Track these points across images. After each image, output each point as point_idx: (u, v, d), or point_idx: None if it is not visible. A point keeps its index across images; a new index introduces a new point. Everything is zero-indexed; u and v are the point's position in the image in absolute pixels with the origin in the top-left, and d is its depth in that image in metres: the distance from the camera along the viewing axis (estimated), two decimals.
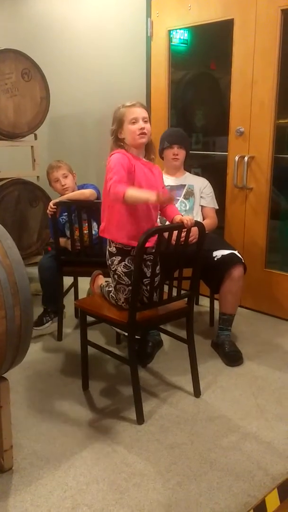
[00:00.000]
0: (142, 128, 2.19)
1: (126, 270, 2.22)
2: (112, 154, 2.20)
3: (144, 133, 2.19)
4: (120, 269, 2.24)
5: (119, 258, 2.24)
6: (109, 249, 2.28)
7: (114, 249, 2.25)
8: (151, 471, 1.92)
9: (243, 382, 2.57)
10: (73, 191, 2.98)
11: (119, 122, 2.23)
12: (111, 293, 2.33)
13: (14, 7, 4.97)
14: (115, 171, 2.10)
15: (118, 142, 2.25)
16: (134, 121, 2.19)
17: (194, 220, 2.22)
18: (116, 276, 2.25)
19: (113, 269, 2.26)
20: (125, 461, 1.98)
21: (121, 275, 2.23)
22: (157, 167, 2.37)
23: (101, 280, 2.56)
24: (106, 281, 2.51)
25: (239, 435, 2.14)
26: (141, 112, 2.20)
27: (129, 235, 2.20)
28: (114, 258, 2.25)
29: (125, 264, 2.23)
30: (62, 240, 3.03)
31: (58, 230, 2.95)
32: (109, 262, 2.29)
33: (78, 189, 3.03)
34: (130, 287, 2.19)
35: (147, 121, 2.23)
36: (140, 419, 2.22)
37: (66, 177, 3.02)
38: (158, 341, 2.92)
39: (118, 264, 2.24)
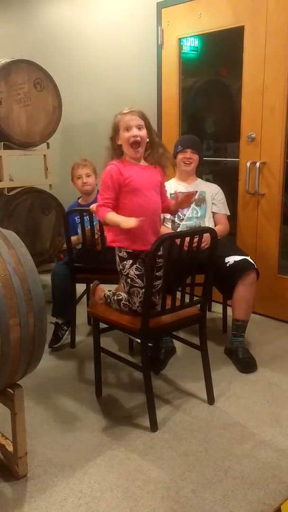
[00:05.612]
0: (135, 136, 2.20)
1: (138, 273, 2.23)
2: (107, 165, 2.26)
3: (136, 141, 2.21)
4: (133, 272, 2.24)
5: (131, 261, 2.25)
6: (119, 254, 2.29)
7: (125, 253, 2.27)
8: (165, 479, 1.91)
9: (257, 389, 2.55)
10: (93, 190, 3.14)
11: (115, 129, 2.27)
12: (123, 301, 2.33)
13: (26, 17, 5.04)
14: (101, 190, 2.25)
15: (117, 149, 2.29)
16: (128, 128, 2.21)
17: (206, 226, 2.22)
18: (129, 280, 2.26)
19: (125, 273, 2.27)
20: (139, 468, 1.97)
21: (134, 278, 2.24)
22: (158, 169, 2.34)
23: (102, 290, 2.55)
24: (109, 291, 2.51)
25: (254, 443, 2.12)
26: (135, 120, 2.21)
27: (137, 240, 2.22)
28: (125, 262, 2.27)
29: (136, 266, 2.24)
30: (73, 238, 3.05)
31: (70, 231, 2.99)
32: (120, 267, 2.30)
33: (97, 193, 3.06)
34: (143, 290, 2.20)
35: (142, 127, 2.23)
36: (154, 426, 2.21)
37: (89, 176, 3.14)
38: (171, 348, 2.92)
39: (130, 267, 2.25)
